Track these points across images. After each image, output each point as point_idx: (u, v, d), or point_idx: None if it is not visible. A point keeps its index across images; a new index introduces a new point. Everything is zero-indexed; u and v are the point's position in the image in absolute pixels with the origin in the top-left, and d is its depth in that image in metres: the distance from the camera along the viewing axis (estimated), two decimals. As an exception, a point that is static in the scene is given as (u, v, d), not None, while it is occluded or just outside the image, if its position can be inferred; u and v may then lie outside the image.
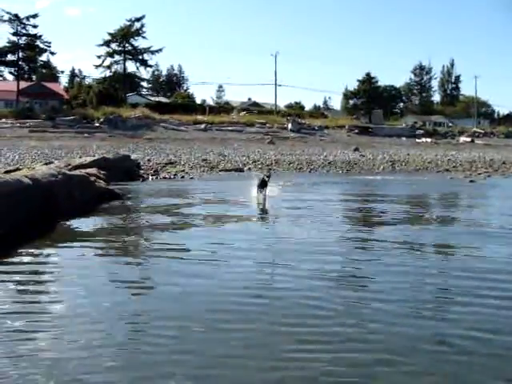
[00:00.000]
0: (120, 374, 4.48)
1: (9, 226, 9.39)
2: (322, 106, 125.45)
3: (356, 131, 68.01)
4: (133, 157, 26.80)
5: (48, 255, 8.52)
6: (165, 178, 23.83)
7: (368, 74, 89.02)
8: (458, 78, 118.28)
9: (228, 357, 4.78)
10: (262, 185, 15.15)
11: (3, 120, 51.45)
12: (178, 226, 11.20)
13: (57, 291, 6.62)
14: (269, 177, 15.45)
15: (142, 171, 24.51)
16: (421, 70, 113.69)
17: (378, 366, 4.65)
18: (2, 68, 71.86)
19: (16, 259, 8.05)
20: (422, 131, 73.93)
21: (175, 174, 24.83)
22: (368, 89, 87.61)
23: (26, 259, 8.08)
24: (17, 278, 7.13)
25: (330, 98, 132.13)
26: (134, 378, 4.41)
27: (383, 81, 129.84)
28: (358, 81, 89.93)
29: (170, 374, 4.48)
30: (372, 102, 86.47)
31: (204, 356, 4.79)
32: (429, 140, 67.12)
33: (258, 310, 5.89)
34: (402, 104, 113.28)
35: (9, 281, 6.99)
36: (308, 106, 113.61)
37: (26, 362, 4.66)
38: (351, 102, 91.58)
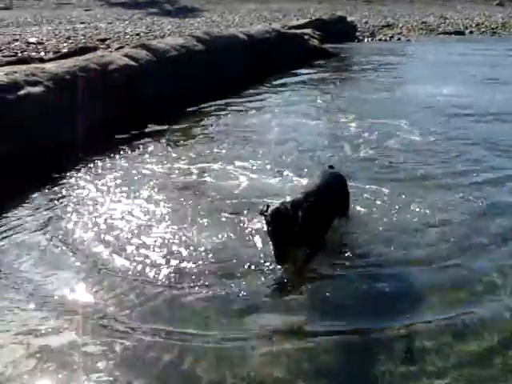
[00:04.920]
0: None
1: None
2: None
3: None
4: (349, 19, 26.24)
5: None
6: (380, 40, 23.42)
7: None
8: None
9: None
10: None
11: (226, -15, 52.86)
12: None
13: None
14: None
15: (357, 33, 24.23)
16: None
17: None
18: None
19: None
20: None
21: (391, 37, 24.06)
22: None
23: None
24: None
25: None
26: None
27: None
28: None
29: None
30: None
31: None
32: None
33: None
34: None
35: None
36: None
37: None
38: None
